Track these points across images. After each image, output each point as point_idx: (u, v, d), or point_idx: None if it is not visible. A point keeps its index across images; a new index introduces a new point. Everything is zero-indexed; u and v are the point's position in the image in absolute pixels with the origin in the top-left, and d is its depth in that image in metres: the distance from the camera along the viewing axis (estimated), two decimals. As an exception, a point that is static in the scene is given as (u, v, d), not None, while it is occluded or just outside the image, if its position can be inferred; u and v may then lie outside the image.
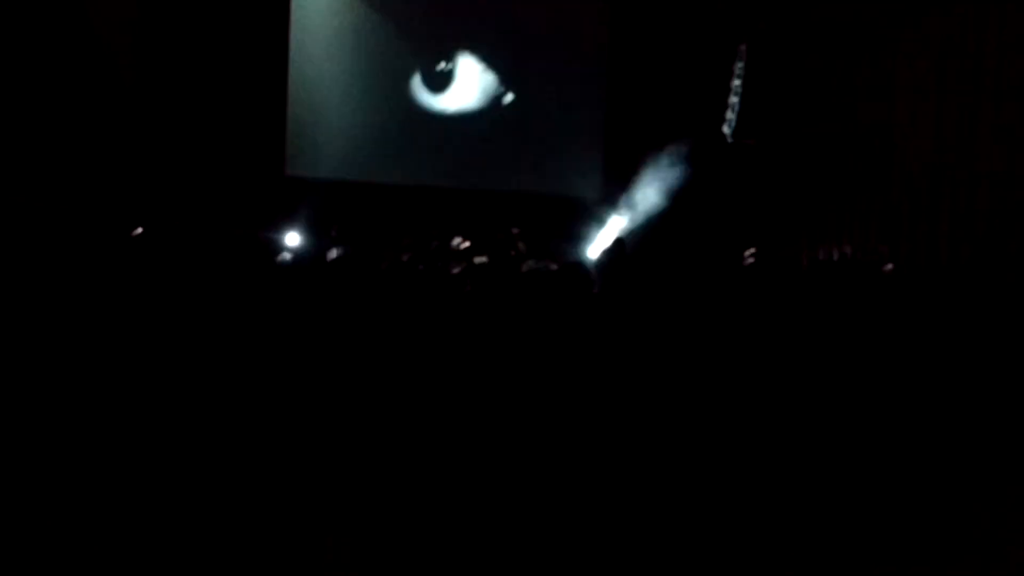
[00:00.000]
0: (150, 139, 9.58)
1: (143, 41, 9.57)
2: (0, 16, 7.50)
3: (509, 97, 11.24)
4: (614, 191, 11.47)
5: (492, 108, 11.18)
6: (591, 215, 11.23)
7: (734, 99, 9.00)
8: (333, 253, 6.47)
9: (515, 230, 9.10)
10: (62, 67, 8.25)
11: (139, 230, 6.21)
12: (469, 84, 11.12)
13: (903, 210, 8.51)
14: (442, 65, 11.04)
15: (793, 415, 2.82)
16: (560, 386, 2.86)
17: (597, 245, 10.19)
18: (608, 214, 11.15)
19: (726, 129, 9.19)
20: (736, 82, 8.98)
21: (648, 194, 11.17)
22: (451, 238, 9.01)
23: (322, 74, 10.60)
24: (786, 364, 3.08)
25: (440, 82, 11.03)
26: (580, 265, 4.55)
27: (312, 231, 9.12)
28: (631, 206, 11.22)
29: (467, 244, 8.52)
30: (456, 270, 7.13)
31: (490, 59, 11.19)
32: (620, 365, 3.03)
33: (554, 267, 6.99)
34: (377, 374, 2.86)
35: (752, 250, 8.92)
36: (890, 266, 7.57)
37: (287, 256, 6.63)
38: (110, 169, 8.88)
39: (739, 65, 8.93)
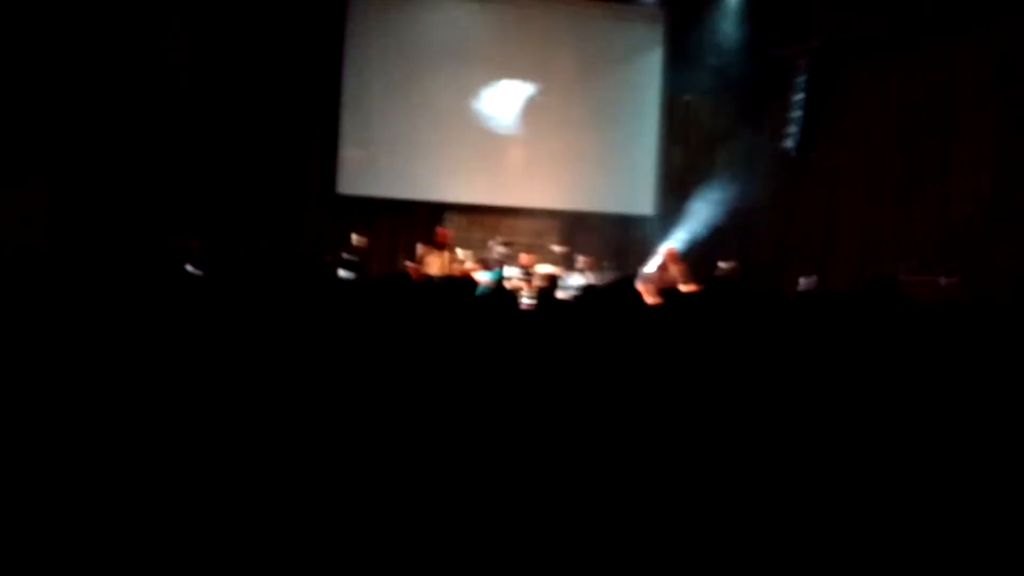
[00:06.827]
0: (205, 157, 9.78)
1: (201, 66, 9.78)
2: (75, 43, 7.78)
3: (566, 118, 11.26)
4: (670, 209, 11.44)
5: (548, 129, 11.21)
6: (646, 232, 11.20)
7: (797, 113, 8.85)
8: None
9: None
10: (129, 92, 8.51)
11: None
12: (523, 104, 11.18)
13: (963, 232, 8.28)
14: (498, 85, 11.10)
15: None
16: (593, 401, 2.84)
17: (652, 262, 10.14)
18: (663, 231, 11.11)
19: (789, 143, 9.05)
20: (798, 96, 8.83)
21: (706, 210, 11.11)
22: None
23: (376, 93, 10.73)
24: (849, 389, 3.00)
25: (496, 102, 11.10)
26: (629, 280, 4.51)
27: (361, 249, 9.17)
28: (689, 222, 11.17)
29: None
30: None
31: (547, 81, 11.22)
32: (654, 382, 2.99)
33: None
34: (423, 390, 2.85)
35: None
36: (945, 281, 7.35)
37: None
38: (165, 185, 9.09)
39: (800, 79, 8.80)
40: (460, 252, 9.62)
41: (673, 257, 9.22)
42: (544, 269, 9.16)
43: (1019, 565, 2.30)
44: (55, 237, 7.64)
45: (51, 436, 2.47)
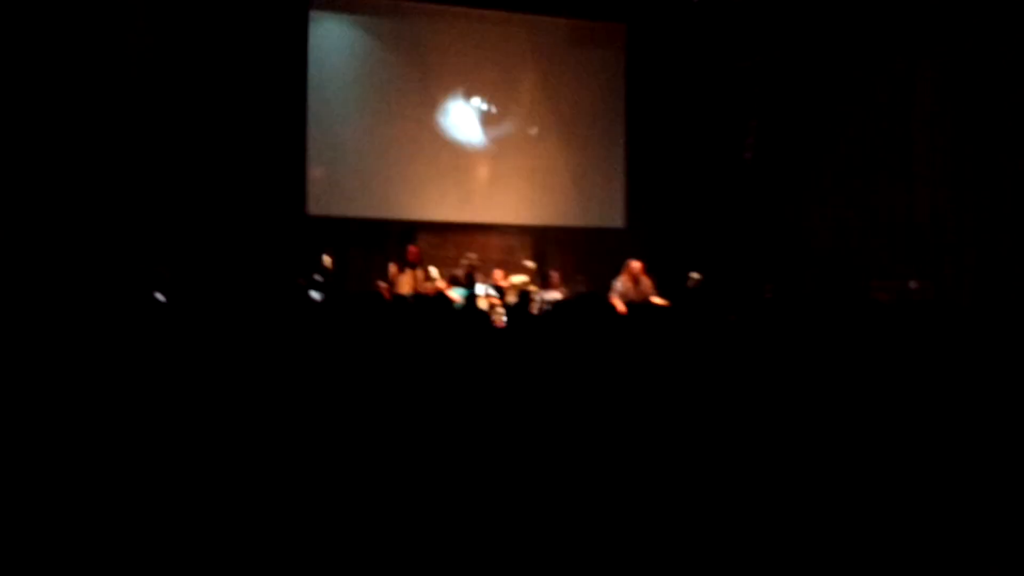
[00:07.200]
0: (172, 183, 9.67)
1: (165, 89, 9.69)
2: (32, 60, 7.73)
3: (533, 132, 11.34)
4: (637, 220, 11.50)
5: (516, 144, 11.27)
6: (614, 244, 11.24)
7: (753, 124, 9.00)
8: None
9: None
10: (93, 115, 8.44)
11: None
12: (489, 120, 11.23)
13: (929, 243, 8.47)
14: (463, 102, 11.15)
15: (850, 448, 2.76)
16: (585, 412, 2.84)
17: (620, 276, 10.18)
18: (631, 243, 11.14)
19: (747, 154, 9.19)
20: (754, 107, 8.99)
21: (675, 221, 11.18)
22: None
23: (341, 112, 10.72)
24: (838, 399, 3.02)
25: (462, 119, 11.14)
26: (600, 294, 4.54)
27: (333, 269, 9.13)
28: (659, 233, 11.22)
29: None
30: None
31: (512, 96, 11.30)
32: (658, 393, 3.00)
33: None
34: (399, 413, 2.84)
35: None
36: (914, 285, 7.50)
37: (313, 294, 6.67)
38: (132, 212, 8.99)
39: (756, 91, 8.95)
40: (431, 270, 9.61)
41: (640, 270, 9.23)
42: (517, 279, 9.21)
43: (997, 555, 2.33)
44: (28, 266, 7.56)
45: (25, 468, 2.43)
